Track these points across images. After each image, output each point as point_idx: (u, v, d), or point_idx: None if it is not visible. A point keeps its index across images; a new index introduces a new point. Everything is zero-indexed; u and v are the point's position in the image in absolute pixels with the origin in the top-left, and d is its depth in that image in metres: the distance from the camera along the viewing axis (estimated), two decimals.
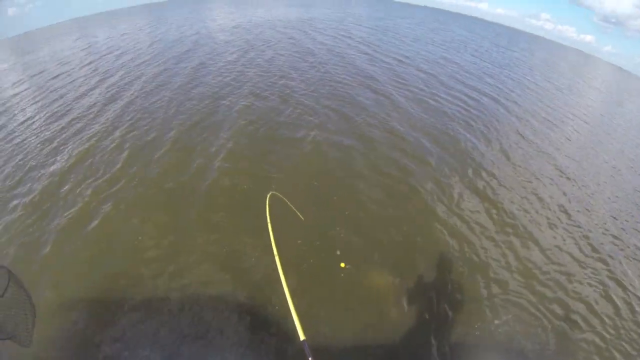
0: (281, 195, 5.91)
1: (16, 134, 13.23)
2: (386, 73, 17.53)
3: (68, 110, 14.90)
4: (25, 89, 20.38)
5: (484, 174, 9.84)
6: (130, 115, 12.90)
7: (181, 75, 17.32)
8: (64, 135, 12.29)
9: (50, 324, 5.12)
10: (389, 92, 14.68)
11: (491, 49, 30.99)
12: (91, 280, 6.04)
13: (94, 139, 11.53)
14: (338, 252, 6.51)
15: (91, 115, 13.76)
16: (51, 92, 18.60)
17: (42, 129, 13.33)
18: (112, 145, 10.97)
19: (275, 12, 48.04)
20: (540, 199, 9.38)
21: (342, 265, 6.12)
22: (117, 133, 11.66)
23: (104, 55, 26.58)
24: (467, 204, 8.54)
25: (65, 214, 7.77)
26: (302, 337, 1.23)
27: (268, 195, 4.52)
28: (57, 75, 22.26)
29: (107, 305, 5.50)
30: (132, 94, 15.24)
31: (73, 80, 20.16)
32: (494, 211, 8.43)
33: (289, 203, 6.12)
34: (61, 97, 17.14)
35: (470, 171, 9.90)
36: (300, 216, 6.63)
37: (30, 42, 71.19)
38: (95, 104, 15.10)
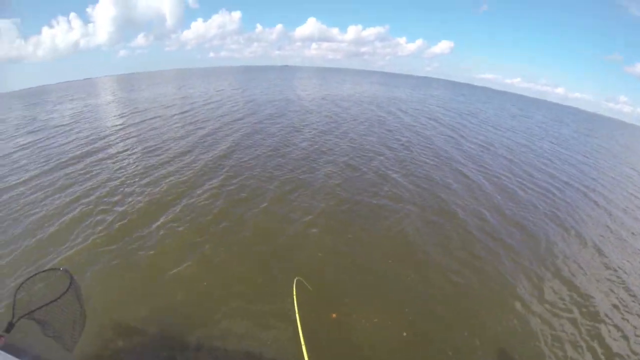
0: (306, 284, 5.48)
1: (118, 158, 14.21)
2: (471, 158, 16.75)
3: (166, 150, 15.49)
4: (129, 123, 22.10)
5: (570, 265, 8.69)
6: (225, 168, 12.94)
7: (275, 137, 17.79)
8: (158, 173, 12.62)
9: (95, 340, 5.32)
10: (477, 178, 13.88)
11: (571, 136, 29.22)
12: (144, 315, 6.02)
13: (188, 183, 11.72)
14: (404, 334, 5.88)
15: (187, 160, 14.00)
16: (151, 130, 19.84)
17: (141, 161, 14.00)
18: (204, 195, 10.82)
19: (360, 89, 50.22)
20: (630, 293, 7.95)
21: (334, 315, 5.91)
22: (211, 184, 11.63)
23: (202, 105, 28.63)
24: (552, 295, 7.48)
25: (147, 250, 7.94)
26: None
27: (295, 281, 4.18)
28: (159, 116, 23.97)
29: (151, 340, 5.55)
30: (227, 148, 15.59)
31: (173, 123, 21.49)
32: (583, 308, 7.21)
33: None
34: (160, 136, 18.14)
35: (556, 261, 8.77)
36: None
37: (135, 82, 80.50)
38: (191, 149, 15.51)
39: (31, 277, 2.79)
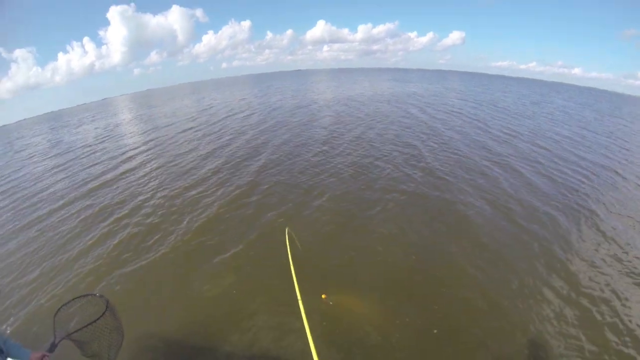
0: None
1: (152, 175, 14.12)
2: (503, 146, 16.07)
3: (198, 164, 15.07)
4: (153, 138, 22.02)
5: (605, 253, 7.91)
6: (265, 185, 12.00)
7: (315, 143, 17.08)
8: (202, 188, 12.16)
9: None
10: (514, 165, 13.26)
11: (595, 118, 27.36)
12: (178, 328, 5.94)
13: (234, 193, 11.42)
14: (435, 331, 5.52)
15: (222, 175, 13.42)
16: (184, 142, 19.65)
17: (178, 174, 13.85)
18: (248, 212, 10.11)
19: (378, 88, 49.01)
20: None
21: (323, 296, 5.95)
22: (253, 198, 10.98)
23: (229, 116, 28.32)
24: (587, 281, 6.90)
25: (186, 262, 7.88)
26: None
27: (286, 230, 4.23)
28: (187, 129, 23.83)
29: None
30: (263, 160, 14.82)
31: (204, 135, 21.14)
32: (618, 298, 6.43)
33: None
34: (189, 150, 17.78)
35: (590, 250, 8.02)
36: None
37: (152, 98, 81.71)
38: (228, 162, 15.00)
39: (70, 301, 3.04)
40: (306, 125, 21.57)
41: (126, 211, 10.88)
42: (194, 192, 11.78)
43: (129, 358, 5.24)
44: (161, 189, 12.50)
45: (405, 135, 17.92)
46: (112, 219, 10.42)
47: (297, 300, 3.37)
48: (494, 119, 23.08)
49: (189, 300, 6.56)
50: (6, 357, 2.76)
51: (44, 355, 2.70)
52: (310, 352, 2.51)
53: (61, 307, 3.01)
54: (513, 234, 8.42)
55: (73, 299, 3.12)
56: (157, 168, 15.28)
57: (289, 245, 3.41)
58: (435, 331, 5.45)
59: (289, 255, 3.16)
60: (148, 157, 17.54)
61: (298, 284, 2.54)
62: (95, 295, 3.19)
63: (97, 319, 2.93)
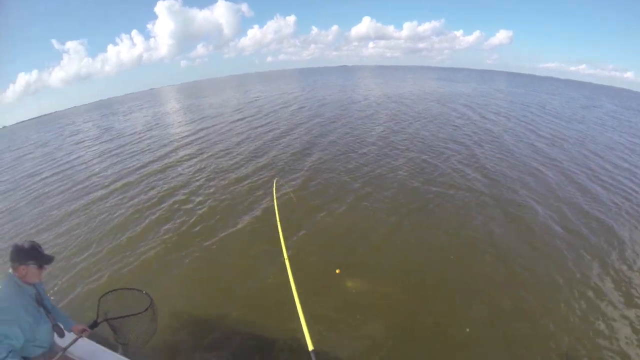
0: None
1: (204, 164, 13.91)
2: (552, 149, 15.15)
3: (252, 155, 14.63)
4: (205, 127, 21.80)
5: None
6: (319, 179, 11.47)
7: (369, 139, 16.31)
8: (254, 179, 11.83)
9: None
10: (565, 169, 12.58)
11: None
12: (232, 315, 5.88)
13: (290, 184, 11.01)
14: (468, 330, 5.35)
15: (274, 167, 12.93)
16: (234, 134, 19.25)
17: (229, 165, 13.60)
18: (307, 205, 9.56)
19: (426, 86, 47.11)
20: None
21: (337, 271, 6.20)
22: (309, 190, 10.71)
23: (278, 109, 27.81)
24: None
25: (230, 251, 7.79)
26: (310, 347, 1.01)
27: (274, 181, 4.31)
28: (236, 120, 23.58)
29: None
30: (317, 155, 14.22)
31: (253, 128, 20.65)
32: None
33: None
34: (242, 142, 17.30)
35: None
36: None
37: (198, 89, 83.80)
38: (280, 154, 14.47)
39: (117, 289, 3.42)
40: (358, 121, 20.89)
41: (179, 197, 10.77)
42: (245, 183, 11.52)
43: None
44: (213, 178, 12.26)
45: (457, 134, 17.16)
46: (164, 205, 10.35)
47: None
48: (543, 122, 21.67)
49: (247, 291, 6.40)
50: (55, 321, 2.96)
51: (84, 329, 3.11)
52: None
53: (108, 292, 3.38)
54: (564, 237, 8.06)
55: (121, 289, 3.46)
56: (208, 157, 14.94)
57: (276, 197, 3.22)
58: (467, 330, 5.33)
59: (275, 208, 2.97)
60: (198, 146, 17.24)
61: (283, 235, 2.50)
62: (142, 291, 3.45)
63: (139, 312, 3.27)
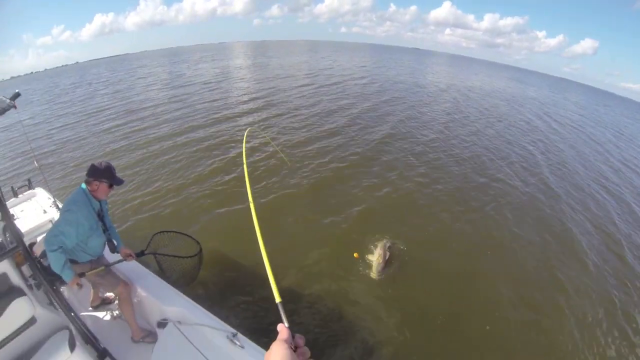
0: None
1: (270, 122, 13.82)
2: (619, 175, 13.49)
3: (319, 121, 14.26)
4: (274, 86, 21.52)
5: None
6: (386, 157, 11.16)
7: (434, 126, 15.57)
8: (319, 145, 11.60)
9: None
10: (627, 199, 11.19)
11: None
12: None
13: (351, 159, 10.73)
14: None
15: (340, 138, 12.46)
16: (303, 96, 18.98)
17: (296, 127, 13.47)
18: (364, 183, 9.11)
19: (497, 84, 42.59)
20: None
21: (356, 255, 5.96)
22: (374, 168, 10.27)
23: (348, 80, 27.16)
24: None
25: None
26: (277, 299, 0.92)
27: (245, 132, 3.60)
28: (306, 85, 23.19)
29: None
30: (383, 132, 13.65)
31: (323, 94, 20.25)
32: None
33: None
34: (311, 105, 17.05)
35: None
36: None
37: (269, 49, 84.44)
38: (347, 125, 13.94)
39: (171, 231, 3.90)
40: (425, 106, 19.83)
41: (240, 151, 10.67)
42: (310, 148, 11.30)
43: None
44: (279, 137, 12.21)
45: (522, 139, 15.82)
46: (227, 156, 10.44)
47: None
48: (614, 145, 19.34)
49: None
50: (110, 237, 3.32)
51: (131, 254, 3.43)
52: None
53: (162, 231, 3.85)
54: (616, 266, 7.29)
55: (175, 231, 3.92)
56: (275, 116, 14.76)
57: (245, 149, 2.87)
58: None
59: (244, 161, 2.65)
60: (266, 103, 17.17)
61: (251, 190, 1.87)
62: (193, 239, 3.87)
63: (186, 256, 3.63)
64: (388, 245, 6.01)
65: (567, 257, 7.25)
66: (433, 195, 9.00)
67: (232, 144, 11.27)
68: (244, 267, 5.69)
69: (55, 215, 4.64)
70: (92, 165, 3.04)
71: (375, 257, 5.74)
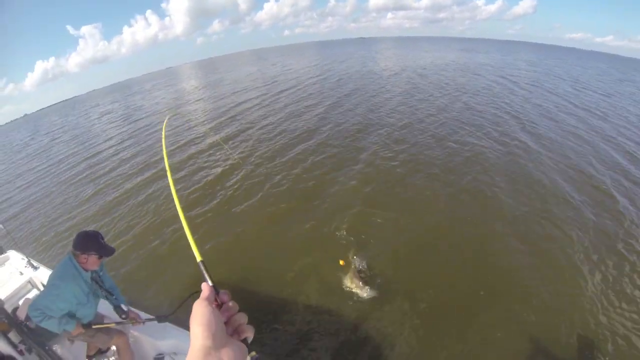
0: None
1: (243, 137, 12.70)
2: (598, 121, 13.85)
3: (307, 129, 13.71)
4: (236, 102, 20.99)
5: None
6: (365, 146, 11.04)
7: (402, 110, 15.31)
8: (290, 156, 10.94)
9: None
10: (603, 147, 11.14)
11: None
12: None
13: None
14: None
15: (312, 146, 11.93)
16: (261, 107, 18.46)
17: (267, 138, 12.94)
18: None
19: (449, 58, 43.32)
20: None
21: (341, 262, 5.75)
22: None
23: (308, 80, 27.10)
24: None
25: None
26: (198, 258, 0.88)
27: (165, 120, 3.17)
28: (284, 90, 22.88)
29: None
30: (328, 127, 13.50)
31: (278, 102, 19.92)
32: None
33: None
34: (272, 114, 16.67)
35: None
36: None
37: (217, 65, 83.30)
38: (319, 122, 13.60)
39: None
40: (387, 92, 19.60)
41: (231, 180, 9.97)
42: (289, 156, 11.01)
43: None
44: (255, 150, 11.83)
45: (489, 106, 15.92)
46: (206, 180, 10.03)
47: None
48: (574, 95, 19.86)
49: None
50: (117, 302, 3.07)
51: (138, 320, 3.14)
52: None
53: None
54: (596, 199, 7.75)
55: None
56: (244, 130, 14.41)
57: (164, 138, 2.20)
58: (481, 292, 5.20)
59: (163, 149, 2.11)
60: (231, 119, 16.82)
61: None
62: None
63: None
64: (359, 266, 5.62)
65: (557, 199, 7.62)
66: (422, 181, 8.82)
67: (207, 167, 10.92)
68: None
69: (32, 274, 4.47)
70: (78, 237, 2.81)
71: (349, 283, 5.38)
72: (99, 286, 3.00)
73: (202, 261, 0.87)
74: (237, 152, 11.92)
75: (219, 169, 10.60)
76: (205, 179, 10.12)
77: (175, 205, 1.12)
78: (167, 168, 1.58)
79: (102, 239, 2.88)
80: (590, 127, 12.91)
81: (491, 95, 18.22)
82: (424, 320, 4.75)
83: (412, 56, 47.40)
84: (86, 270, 2.82)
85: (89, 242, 2.78)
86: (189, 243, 0.90)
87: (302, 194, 8.58)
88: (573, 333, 4.63)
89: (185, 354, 2.25)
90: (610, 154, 10.25)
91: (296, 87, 24.24)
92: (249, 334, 0.76)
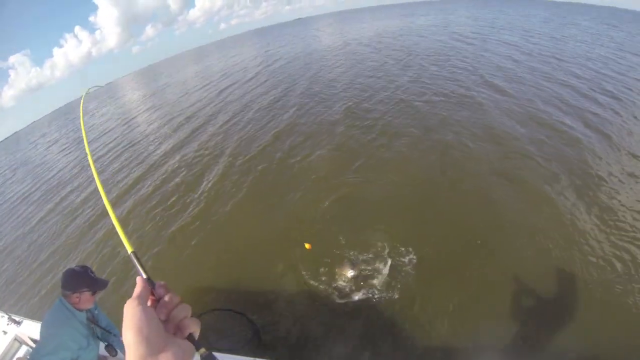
0: None
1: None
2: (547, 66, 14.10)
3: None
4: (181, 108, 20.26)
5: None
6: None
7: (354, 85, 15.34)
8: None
9: None
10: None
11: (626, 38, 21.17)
12: None
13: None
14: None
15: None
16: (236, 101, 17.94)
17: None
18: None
19: (393, 24, 42.58)
20: None
21: (307, 246, 5.59)
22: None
23: (273, 63, 27.00)
24: None
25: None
26: (129, 249, 0.81)
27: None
28: (234, 83, 22.12)
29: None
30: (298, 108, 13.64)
31: (225, 103, 19.39)
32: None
33: None
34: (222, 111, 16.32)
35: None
36: None
37: (158, 72, 79.51)
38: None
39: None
40: (336, 68, 19.48)
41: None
42: (272, 152, 10.39)
43: None
44: (234, 150, 11.19)
45: (451, 65, 15.95)
46: (185, 208, 8.95)
47: None
48: (524, 41, 20.50)
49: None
50: (109, 341, 2.84)
51: None
52: None
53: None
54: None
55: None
56: (214, 134, 13.62)
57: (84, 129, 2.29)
58: (478, 241, 5.34)
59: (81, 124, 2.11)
60: (193, 126, 15.77)
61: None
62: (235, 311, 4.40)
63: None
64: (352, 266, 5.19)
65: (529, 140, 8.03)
66: (405, 143, 8.82)
67: (168, 179, 10.41)
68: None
69: (16, 331, 4.07)
70: (65, 276, 2.59)
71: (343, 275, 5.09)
72: (96, 325, 2.81)
73: (133, 252, 0.81)
74: (206, 152, 11.56)
75: (192, 170, 10.41)
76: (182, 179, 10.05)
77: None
78: (88, 152, 1.45)
79: (92, 272, 2.68)
80: (541, 72, 13.29)
81: (444, 54, 18.40)
82: (427, 276, 4.88)
83: (355, 29, 46.64)
84: (80, 311, 2.63)
85: (79, 279, 2.58)
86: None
87: (287, 175, 8.55)
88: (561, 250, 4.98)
89: None
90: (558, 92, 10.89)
91: (246, 78, 23.56)
92: (194, 329, 0.69)
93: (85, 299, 2.59)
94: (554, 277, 4.70)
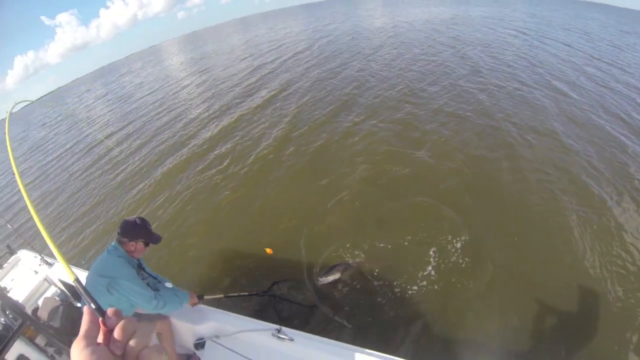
0: None
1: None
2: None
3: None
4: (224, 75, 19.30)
5: None
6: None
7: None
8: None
9: None
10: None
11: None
12: None
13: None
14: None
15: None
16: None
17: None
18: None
19: (446, 13, 40.02)
20: None
21: (268, 251, 5.24)
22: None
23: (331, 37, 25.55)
24: None
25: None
26: (72, 278, 0.79)
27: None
28: (254, 66, 21.15)
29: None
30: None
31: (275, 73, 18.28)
32: None
33: None
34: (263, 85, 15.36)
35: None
36: None
37: (202, 38, 79.80)
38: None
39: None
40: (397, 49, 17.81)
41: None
42: (335, 125, 9.67)
43: None
44: (293, 121, 10.51)
45: (510, 58, 14.54)
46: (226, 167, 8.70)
47: None
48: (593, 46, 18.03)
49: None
50: (164, 305, 2.59)
51: (195, 301, 3.01)
52: None
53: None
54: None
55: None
56: (270, 98, 12.91)
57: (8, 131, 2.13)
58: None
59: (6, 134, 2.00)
60: (253, 86, 15.14)
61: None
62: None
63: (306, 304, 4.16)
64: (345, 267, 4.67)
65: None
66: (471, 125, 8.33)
67: (222, 141, 9.98)
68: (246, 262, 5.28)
69: (47, 272, 4.15)
70: (126, 223, 2.57)
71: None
72: (146, 272, 2.80)
73: (76, 279, 0.74)
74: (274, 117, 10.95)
75: (265, 133, 9.87)
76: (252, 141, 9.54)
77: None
78: (15, 168, 1.51)
79: (150, 225, 2.69)
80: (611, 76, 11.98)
81: (500, 47, 16.83)
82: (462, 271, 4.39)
83: (407, 13, 43.18)
84: (133, 258, 2.62)
85: (139, 229, 2.58)
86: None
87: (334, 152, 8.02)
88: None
89: (228, 335, 2.86)
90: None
91: (307, 48, 22.22)
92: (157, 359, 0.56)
93: (140, 249, 2.61)
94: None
